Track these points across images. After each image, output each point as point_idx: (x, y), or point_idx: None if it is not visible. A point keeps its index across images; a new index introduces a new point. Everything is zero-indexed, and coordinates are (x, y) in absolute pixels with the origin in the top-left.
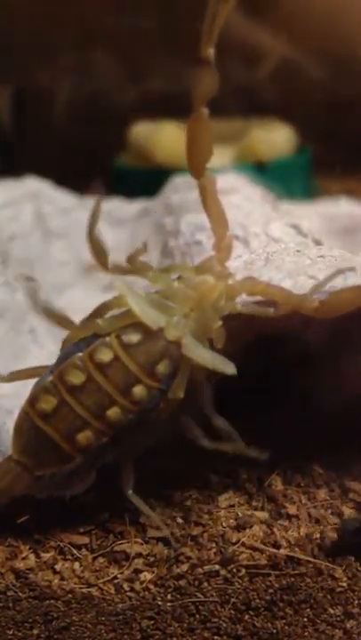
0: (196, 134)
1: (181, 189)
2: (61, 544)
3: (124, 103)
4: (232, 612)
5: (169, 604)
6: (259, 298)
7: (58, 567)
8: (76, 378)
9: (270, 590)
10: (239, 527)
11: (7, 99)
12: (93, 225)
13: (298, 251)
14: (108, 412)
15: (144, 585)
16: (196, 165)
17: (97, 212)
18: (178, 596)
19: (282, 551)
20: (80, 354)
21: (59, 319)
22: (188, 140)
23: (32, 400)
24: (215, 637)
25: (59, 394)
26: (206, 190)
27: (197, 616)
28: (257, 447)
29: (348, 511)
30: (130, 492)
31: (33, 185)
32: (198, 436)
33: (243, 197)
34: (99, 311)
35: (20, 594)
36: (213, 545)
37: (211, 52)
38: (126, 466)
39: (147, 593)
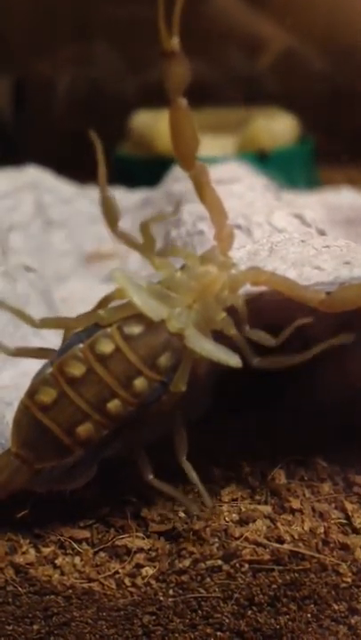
0: (179, 126)
1: (183, 178)
2: (62, 538)
3: (124, 92)
4: (235, 607)
5: (171, 599)
6: (263, 288)
7: (58, 562)
8: (77, 369)
9: (274, 586)
10: (242, 522)
11: (7, 89)
12: (103, 181)
13: (302, 241)
14: (108, 404)
15: (146, 580)
16: (184, 157)
17: (102, 167)
18: (180, 591)
19: (285, 546)
20: (81, 345)
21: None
22: (173, 133)
23: (31, 392)
24: (218, 633)
25: (59, 386)
26: (199, 181)
27: (200, 612)
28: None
29: (351, 506)
30: (150, 477)
31: (33, 175)
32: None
33: (245, 187)
34: (100, 305)
35: (20, 589)
36: (216, 540)
37: (175, 42)
38: (140, 454)
39: (148, 588)
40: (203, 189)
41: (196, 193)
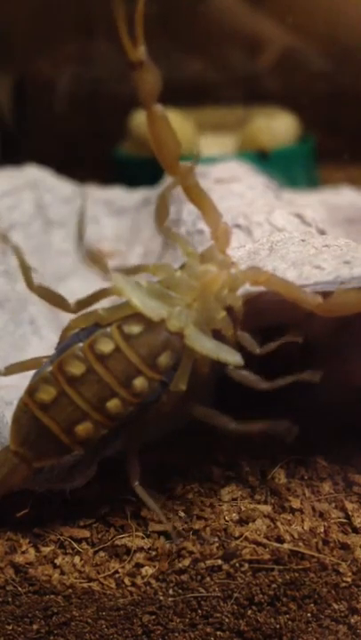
0: (158, 132)
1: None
2: (61, 538)
3: (124, 92)
4: (235, 607)
5: (171, 598)
6: (262, 288)
7: (58, 561)
8: (76, 368)
9: (274, 585)
10: (242, 521)
11: (8, 88)
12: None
13: (302, 240)
14: (107, 403)
15: (145, 580)
16: (168, 162)
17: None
18: (180, 590)
19: (285, 546)
20: (80, 344)
21: (53, 298)
22: (153, 141)
23: (31, 390)
24: (217, 633)
25: (58, 384)
26: (186, 184)
27: (199, 611)
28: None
29: (351, 505)
30: (136, 483)
31: (33, 174)
32: (226, 421)
33: (245, 186)
34: (97, 296)
35: (20, 588)
36: (216, 539)
37: (141, 51)
38: (132, 458)
39: (148, 588)
40: (191, 191)
41: (186, 196)
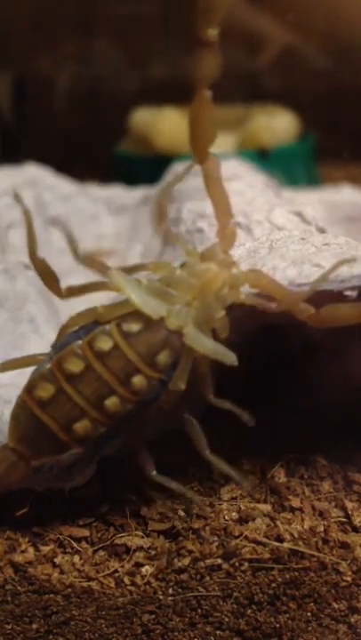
0: (199, 117)
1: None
2: (61, 537)
3: (124, 90)
4: (234, 606)
5: (170, 598)
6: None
7: (57, 560)
8: (75, 366)
9: (273, 584)
10: (242, 520)
11: (8, 86)
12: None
13: (302, 238)
14: (106, 401)
15: (145, 579)
16: (199, 149)
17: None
18: (179, 590)
19: (285, 545)
20: (79, 342)
21: (47, 276)
22: (191, 124)
23: (29, 387)
24: (217, 632)
25: (57, 382)
26: (210, 175)
27: (199, 610)
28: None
29: (351, 504)
30: (153, 472)
31: (33, 172)
32: (202, 446)
33: (245, 184)
34: (92, 287)
35: (19, 588)
36: (216, 538)
37: (212, 32)
38: (142, 451)
39: (148, 587)
40: (212, 184)
41: (205, 187)
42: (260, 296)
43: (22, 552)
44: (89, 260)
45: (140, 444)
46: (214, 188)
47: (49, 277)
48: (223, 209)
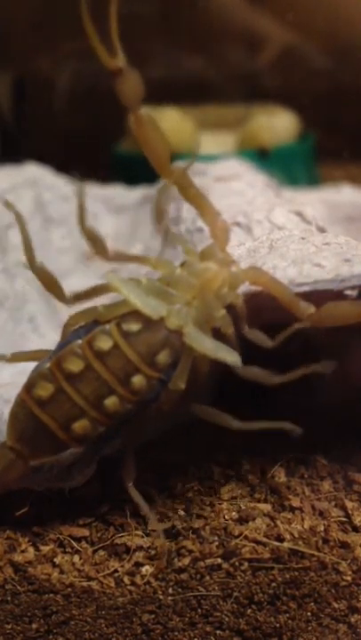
0: (146, 136)
1: None
2: (61, 537)
3: None
4: (234, 606)
5: (170, 597)
6: (261, 288)
7: (57, 560)
8: (75, 365)
9: (273, 584)
10: (242, 520)
11: (7, 86)
12: (83, 215)
13: (302, 238)
14: (105, 401)
15: (145, 579)
16: (159, 165)
17: (82, 201)
18: (179, 589)
19: (285, 544)
20: (79, 341)
21: (50, 284)
22: (143, 146)
23: (29, 386)
24: (217, 632)
25: (56, 381)
26: (181, 184)
27: (199, 610)
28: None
29: (351, 504)
30: (130, 484)
31: (33, 172)
32: (227, 420)
33: (245, 184)
34: (95, 291)
35: (19, 587)
36: (216, 538)
37: (120, 59)
38: (128, 458)
39: (148, 587)
40: (186, 192)
41: (182, 197)
42: (258, 296)
43: (22, 552)
44: (91, 236)
45: (130, 449)
46: (188, 194)
47: (52, 285)
48: (206, 210)
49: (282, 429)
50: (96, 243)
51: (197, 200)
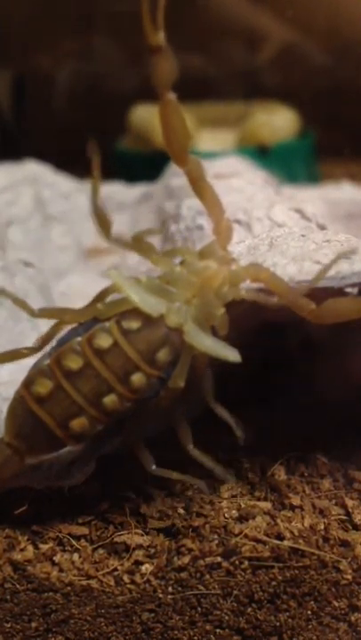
0: (170, 121)
1: (182, 173)
2: (60, 535)
3: (124, 87)
4: (234, 604)
5: (170, 596)
6: (262, 285)
7: (57, 559)
8: (74, 363)
9: (273, 583)
10: (242, 518)
11: (7, 84)
12: (96, 191)
13: (303, 235)
14: (104, 399)
15: (145, 577)
16: (177, 153)
17: (97, 180)
18: (179, 588)
19: (285, 543)
20: (79, 338)
21: (53, 314)
22: (164, 130)
23: (27, 383)
24: (217, 630)
25: (55, 378)
26: (194, 176)
27: (199, 609)
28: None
29: (351, 502)
30: (153, 467)
31: (33, 169)
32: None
33: (245, 181)
34: (99, 298)
35: (18, 586)
36: (215, 536)
37: (161, 37)
38: (140, 448)
39: (147, 585)
40: (198, 184)
41: (192, 189)
42: (261, 290)
43: (21, 550)
44: (100, 217)
45: (138, 441)
46: (200, 187)
47: (57, 315)
48: (214, 206)
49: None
50: (103, 222)
51: (206, 194)
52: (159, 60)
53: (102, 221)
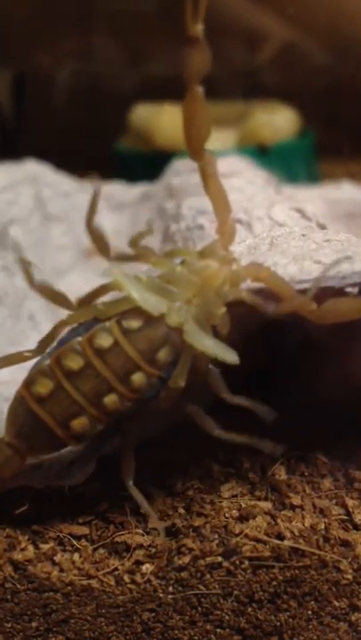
0: (193, 114)
1: (182, 173)
2: (61, 535)
3: (124, 86)
4: (235, 604)
5: (170, 596)
6: (263, 284)
7: (57, 558)
8: (74, 363)
9: (274, 583)
10: (242, 518)
11: (7, 83)
12: (92, 214)
13: (303, 235)
14: (104, 399)
15: (145, 577)
16: (194, 147)
17: (95, 200)
18: (179, 588)
19: (286, 543)
20: (79, 338)
21: (55, 297)
22: (185, 121)
23: (28, 382)
24: (217, 630)
25: (55, 378)
26: (207, 172)
27: (199, 609)
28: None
29: (352, 502)
30: (130, 482)
31: (33, 168)
32: (211, 426)
33: (245, 181)
34: (97, 293)
35: (19, 586)
36: (216, 536)
37: (199, 28)
38: (127, 456)
39: (148, 585)
40: (209, 181)
41: (202, 184)
42: (262, 291)
43: (22, 550)
44: (96, 236)
45: (129, 447)
46: (212, 184)
47: (56, 297)
48: (222, 205)
49: (261, 449)
50: (100, 242)
51: (216, 192)
52: (194, 51)
53: (100, 244)
